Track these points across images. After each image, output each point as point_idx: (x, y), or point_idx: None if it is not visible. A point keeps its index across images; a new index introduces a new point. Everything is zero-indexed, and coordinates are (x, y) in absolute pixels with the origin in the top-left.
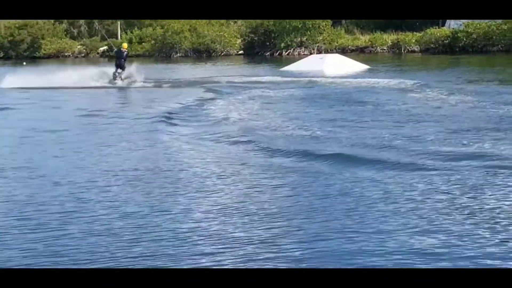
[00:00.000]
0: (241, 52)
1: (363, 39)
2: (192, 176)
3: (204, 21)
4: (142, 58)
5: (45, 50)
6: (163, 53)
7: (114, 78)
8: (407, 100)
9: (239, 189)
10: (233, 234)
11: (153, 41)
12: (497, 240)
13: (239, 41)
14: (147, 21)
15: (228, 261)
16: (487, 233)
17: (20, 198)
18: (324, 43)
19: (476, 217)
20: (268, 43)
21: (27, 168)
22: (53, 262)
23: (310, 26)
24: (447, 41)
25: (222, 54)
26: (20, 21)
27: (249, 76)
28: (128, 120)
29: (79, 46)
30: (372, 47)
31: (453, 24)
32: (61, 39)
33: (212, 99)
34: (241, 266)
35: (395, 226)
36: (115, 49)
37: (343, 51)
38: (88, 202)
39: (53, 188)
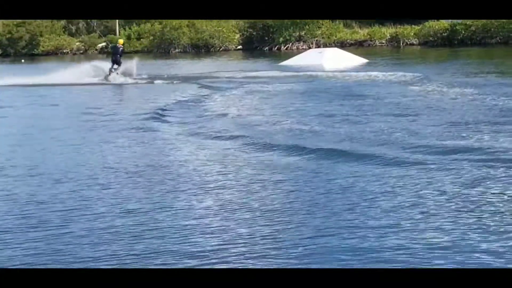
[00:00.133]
0: (239, 47)
1: (361, 32)
2: (192, 172)
3: None
4: (141, 54)
5: (43, 47)
6: (161, 49)
7: (110, 73)
8: (407, 93)
9: (239, 185)
10: (235, 230)
11: (151, 37)
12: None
13: (237, 36)
14: None
15: (230, 258)
16: (487, 228)
17: (20, 196)
18: (322, 37)
19: (474, 212)
20: (266, 38)
21: (26, 166)
22: (55, 261)
23: (309, 20)
24: (445, 34)
25: (221, 49)
26: (19, 19)
27: (247, 71)
28: (126, 116)
29: (77, 43)
30: (371, 40)
31: None
32: (59, 36)
33: (211, 94)
34: (243, 262)
35: (397, 221)
36: (111, 45)
37: (342, 45)
38: (89, 200)
39: (53, 186)
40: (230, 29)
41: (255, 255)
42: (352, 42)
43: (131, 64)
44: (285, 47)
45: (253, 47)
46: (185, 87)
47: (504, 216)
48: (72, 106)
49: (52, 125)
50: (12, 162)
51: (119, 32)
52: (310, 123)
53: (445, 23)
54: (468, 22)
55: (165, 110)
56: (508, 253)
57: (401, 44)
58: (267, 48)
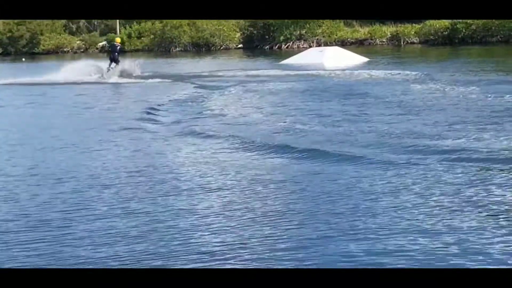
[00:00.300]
0: (240, 45)
1: (362, 31)
2: (190, 172)
3: None
4: (141, 52)
5: (44, 46)
6: (162, 47)
7: (108, 71)
8: (408, 92)
9: (239, 186)
10: (235, 232)
11: (152, 36)
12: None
13: (238, 34)
14: None
15: (231, 260)
16: (492, 229)
17: (20, 196)
18: (323, 36)
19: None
20: (267, 37)
21: (26, 166)
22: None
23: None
24: (446, 32)
25: (221, 48)
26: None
27: (248, 70)
28: (126, 115)
29: (78, 42)
30: (372, 39)
31: None
32: (60, 35)
33: (210, 93)
34: (243, 264)
35: (399, 223)
36: (109, 44)
37: (343, 43)
38: (90, 200)
39: (53, 185)
40: (230, 28)
41: (255, 256)
42: (353, 40)
43: (132, 64)
44: (286, 46)
45: (253, 46)
46: (185, 86)
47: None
48: (69, 105)
49: (51, 124)
50: (12, 162)
51: (119, 30)
52: (310, 122)
53: (445, 22)
54: (469, 21)
55: (164, 109)
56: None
57: (401, 42)
58: (267, 47)
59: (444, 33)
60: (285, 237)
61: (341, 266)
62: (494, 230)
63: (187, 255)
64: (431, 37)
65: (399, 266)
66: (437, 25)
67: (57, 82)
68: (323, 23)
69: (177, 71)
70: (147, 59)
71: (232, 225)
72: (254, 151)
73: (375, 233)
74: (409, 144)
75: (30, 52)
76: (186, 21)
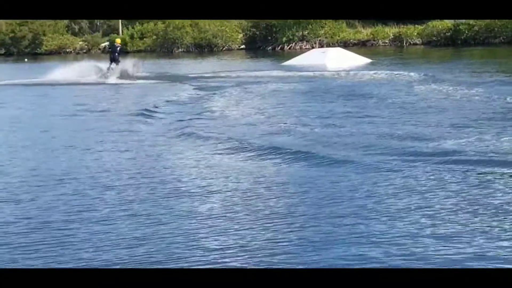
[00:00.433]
0: (242, 46)
1: (364, 32)
2: (191, 174)
3: None
4: (144, 53)
5: (46, 47)
6: (164, 48)
7: (108, 71)
8: (411, 93)
9: (241, 187)
10: (238, 233)
11: (154, 37)
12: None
13: (240, 35)
14: None
15: (233, 262)
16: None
17: (21, 197)
18: (325, 37)
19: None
20: (269, 38)
21: (27, 166)
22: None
23: (312, 20)
24: (449, 33)
25: (224, 49)
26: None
27: (250, 71)
28: (126, 116)
29: (80, 42)
30: (374, 40)
31: None
32: (62, 35)
33: (212, 94)
34: (244, 265)
35: (402, 226)
36: (105, 44)
37: (345, 44)
38: (91, 202)
39: (54, 187)
40: (233, 29)
41: (255, 259)
42: (355, 42)
43: (132, 64)
44: (288, 47)
45: (256, 47)
46: (186, 86)
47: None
48: (69, 105)
49: (51, 125)
50: (13, 163)
51: (122, 31)
52: (312, 123)
53: (448, 23)
54: (472, 22)
55: (164, 110)
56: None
57: (404, 44)
58: (270, 47)
59: (446, 34)
60: (286, 239)
61: (341, 266)
62: (499, 233)
63: (189, 257)
64: (434, 38)
65: (399, 266)
66: (440, 26)
67: (57, 82)
68: (325, 24)
69: (179, 72)
70: (149, 59)
71: (233, 227)
72: (253, 152)
73: (377, 237)
74: (411, 146)
75: (33, 52)
76: (189, 22)
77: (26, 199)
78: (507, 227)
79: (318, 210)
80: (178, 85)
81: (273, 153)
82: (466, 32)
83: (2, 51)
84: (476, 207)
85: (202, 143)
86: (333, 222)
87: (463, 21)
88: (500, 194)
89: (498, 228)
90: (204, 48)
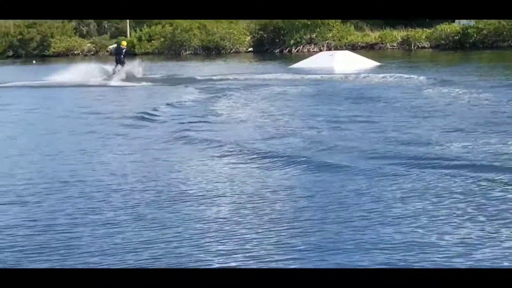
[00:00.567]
0: (250, 49)
1: (372, 35)
2: (198, 177)
3: None
4: (152, 55)
5: (54, 49)
6: (172, 50)
7: (113, 73)
8: (419, 97)
9: (247, 191)
10: (245, 237)
11: (162, 39)
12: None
13: (248, 38)
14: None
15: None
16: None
17: (28, 199)
18: (333, 40)
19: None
20: (277, 40)
21: (33, 169)
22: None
23: (320, 23)
24: (457, 37)
25: (231, 51)
26: (29, 20)
27: (257, 74)
28: (132, 119)
29: (88, 44)
30: (382, 43)
31: (463, 21)
32: (70, 37)
33: (219, 97)
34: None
35: (407, 232)
36: (115, 47)
37: (353, 47)
38: (96, 204)
39: (59, 190)
40: (241, 31)
41: (261, 264)
42: (363, 45)
43: (137, 66)
44: (296, 50)
45: (264, 50)
46: (192, 89)
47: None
48: (74, 107)
49: (55, 127)
50: (19, 165)
51: (130, 33)
52: (319, 126)
53: (456, 26)
54: (480, 25)
55: (169, 113)
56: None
57: (412, 47)
58: (277, 50)
59: (455, 37)
60: (292, 244)
61: (341, 266)
62: (507, 239)
63: (195, 262)
64: (442, 41)
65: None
66: (448, 30)
67: (63, 84)
68: (333, 27)
69: (186, 74)
70: (157, 62)
71: (240, 231)
72: (259, 156)
73: (384, 242)
74: (418, 150)
75: (41, 54)
76: (197, 24)
77: (32, 201)
78: None
79: (324, 214)
80: (185, 87)
81: (279, 157)
82: (475, 35)
83: (11, 53)
84: (483, 212)
85: (207, 146)
86: (339, 227)
87: (472, 24)
88: (508, 200)
89: (506, 235)
90: (211, 51)
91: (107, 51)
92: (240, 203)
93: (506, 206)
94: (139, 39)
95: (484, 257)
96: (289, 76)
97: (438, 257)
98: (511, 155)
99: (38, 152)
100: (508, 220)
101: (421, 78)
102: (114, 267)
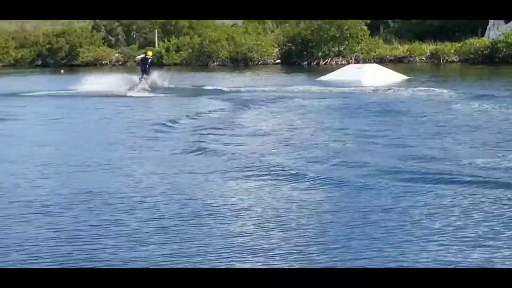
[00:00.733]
0: (278, 61)
1: (401, 49)
2: (223, 188)
3: (241, 30)
4: (179, 66)
5: (82, 58)
6: (200, 61)
7: (139, 82)
8: (448, 112)
9: (275, 202)
10: (270, 247)
11: (190, 50)
12: None
13: (276, 50)
14: (185, 29)
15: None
16: None
17: (53, 209)
18: (362, 53)
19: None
20: (305, 52)
21: (60, 179)
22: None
23: (348, 35)
24: (486, 51)
25: (259, 63)
26: (58, 29)
27: (285, 86)
28: (157, 131)
29: (116, 54)
30: (411, 57)
31: (492, 35)
32: (98, 47)
33: (244, 108)
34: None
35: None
36: (141, 57)
37: (381, 61)
38: (119, 216)
39: (84, 201)
40: (269, 43)
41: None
42: (392, 58)
43: (161, 76)
44: (324, 62)
45: (291, 62)
46: (219, 100)
47: None
48: (98, 117)
49: (80, 138)
50: (44, 174)
51: (158, 44)
52: (345, 140)
53: (486, 40)
54: (510, 40)
55: (194, 124)
56: None
57: (441, 61)
58: (305, 62)
59: (484, 52)
60: (318, 261)
61: (341, 266)
62: None
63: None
64: (471, 55)
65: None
66: (477, 44)
67: (88, 94)
68: (362, 40)
69: (212, 85)
70: (185, 72)
71: (264, 246)
72: (282, 171)
73: (409, 259)
74: (444, 166)
75: (69, 64)
76: (225, 35)
77: (55, 212)
78: None
79: (349, 230)
80: (211, 98)
81: (303, 170)
82: (504, 50)
83: (39, 62)
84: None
85: (231, 158)
86: (364, 243)
87: (501, 38)
88: None
89: None
90: (239, 62)
91: (135, 61)
92: (264, 217)
93: None
94: (167, 49)
95: None
96: (316, 89)
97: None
98: None
99: (62, 162)
100: None
101: (450, 92)
102: (114, 267)
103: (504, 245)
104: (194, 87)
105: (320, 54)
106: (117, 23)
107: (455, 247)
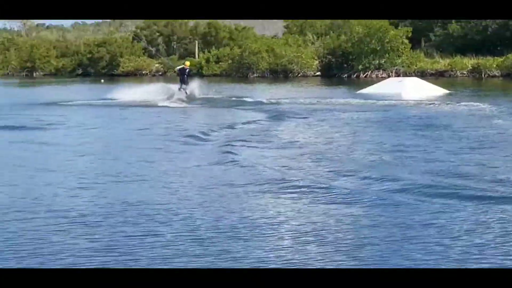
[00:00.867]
0: (318, 73)
1: (442, 62)
2: (259, 201)
3: (281, 41)
4: (219, 77)
5: (123, 68)
6: (240, 73)
7: (179, 92)
8: (488, 127)
9: (312, 216)
10: (306, 267)
11: (230, 61)
12: None
13: (316, 62)
14: (225, 41)
15: None
16: None
17: (88, 219)
18: (402, 66)
19: None
20: (345, 65)
21: (95, 189)
22: None
23: (389, 48)
24: None
25: (299, 75)
26: (99, 39)
27: (325, 98)
28: (191, 144)
29: (156, 65)
30: (452, 71)
31: None
32: (139, 57)
33: (283, 120)
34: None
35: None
36: (179, 67)
37: (422, 74)
38: (155, 226)
39: (121, 212)
40: (309, 55)
41: None
42: (433, 72)
43: (197, 86)
44: (364, 75)
45: (331, 74)
46: (257, 112)
47: None
48: (137, 128)
49: (116, 147)
50: (83, 184)
51: (198, 55)
52: (383, 154)
53: None
54: None
55: (231, 135)
56: None
57: (483, 75)
58: (345, 75)
59: None
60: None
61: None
62: None
63: None
64: None
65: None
66: None
67: (127, 103)
68: (402, 53)
69: (251, 96)
70: (224, 84)
71: (302, 261)
72: (320, 185)
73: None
74: (483, 182)
75: (110, 73)
76: (265, 47)
77: (91, 222)
78: None
79: (386, 246)
80: (249, 110)
81: (341, 184)
82: None
83: (80, 72)
84: None
85: (269, 171)
86: (402, 258)
87: None
88: None
89: None
90: (279, 74)
91: (174, 72)
92: (303, 231)
93: None
94: (207, 60)
95: None
96: (356, 102)
97: None
98: None
99: (100, 172)
100: None
101: (492, 107)
102: (114, 267)
103: None
104: (232, 98)
105: (360, 67)
106: (157, 34)
107: (494, 264)
